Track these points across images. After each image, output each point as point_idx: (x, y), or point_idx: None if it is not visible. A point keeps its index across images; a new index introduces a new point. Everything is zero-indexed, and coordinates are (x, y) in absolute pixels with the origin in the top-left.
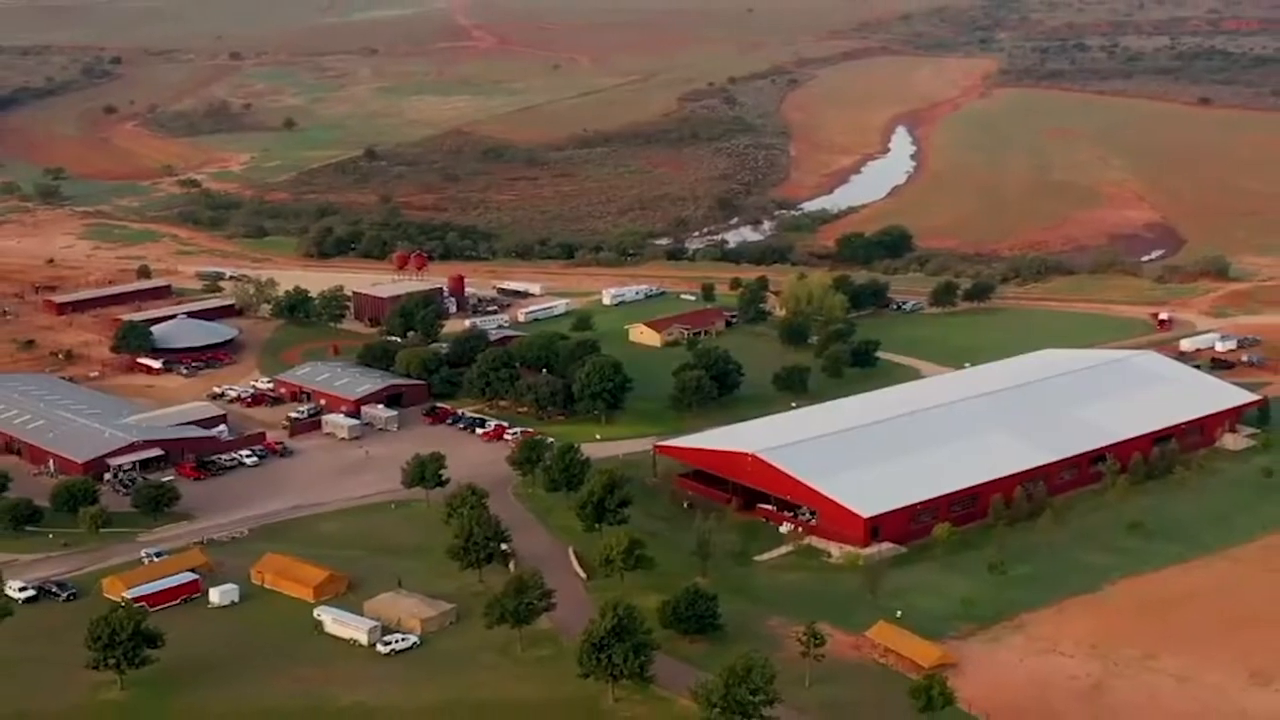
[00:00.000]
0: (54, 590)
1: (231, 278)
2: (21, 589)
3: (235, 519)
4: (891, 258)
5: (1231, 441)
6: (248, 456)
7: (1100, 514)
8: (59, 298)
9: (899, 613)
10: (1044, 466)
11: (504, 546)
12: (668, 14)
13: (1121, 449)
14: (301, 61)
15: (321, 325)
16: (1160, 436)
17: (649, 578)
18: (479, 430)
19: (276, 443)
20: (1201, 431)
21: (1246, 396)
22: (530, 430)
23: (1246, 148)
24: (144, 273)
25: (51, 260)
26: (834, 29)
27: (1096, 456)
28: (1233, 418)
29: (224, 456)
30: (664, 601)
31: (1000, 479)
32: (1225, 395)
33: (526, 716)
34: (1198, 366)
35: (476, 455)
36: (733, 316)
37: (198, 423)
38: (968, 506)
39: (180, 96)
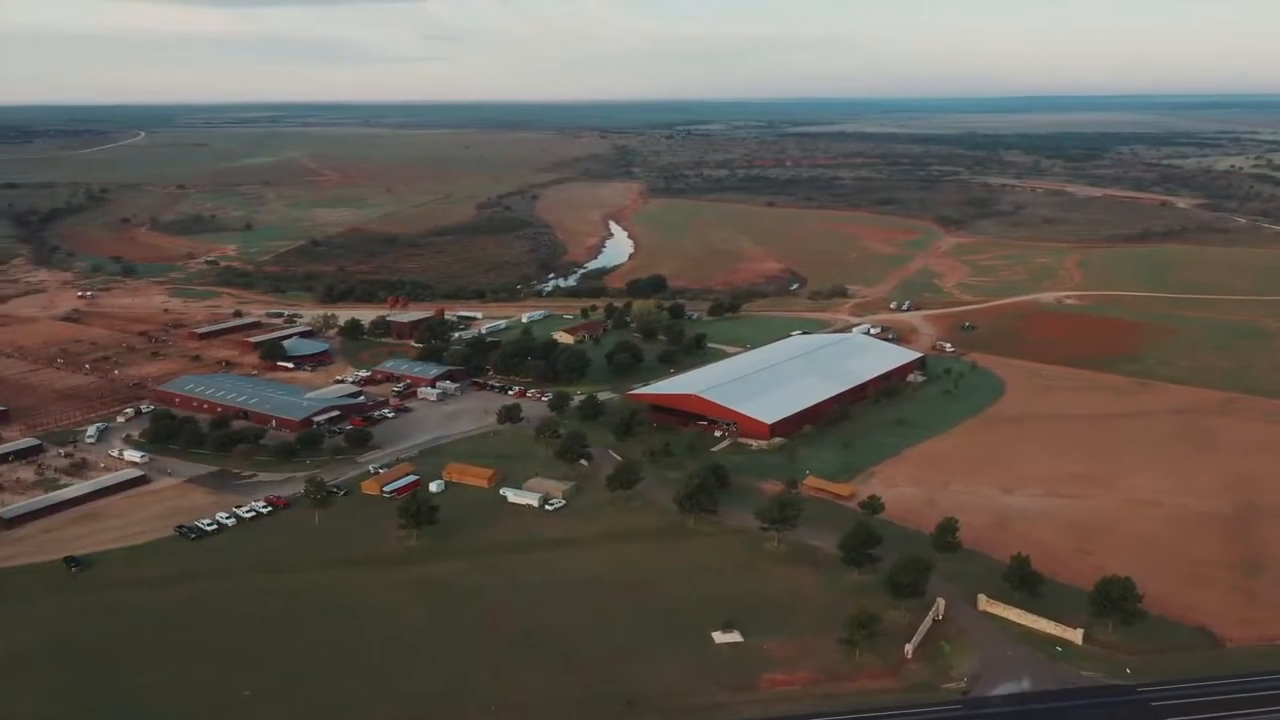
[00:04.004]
0: (336, 489)
1: (289, 316)
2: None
3: (404, 447)
4: (658, 291)
5: (914, 378)
6: (388, 413)
7: (877, 417)
8: (199, 330)
9: (808, 472)
10: (842, 393)
11: (584, 449)
12: (440, 158)
13: (871, 384)
14: (225, 190)
15: (370, 341)
16: (885, 376)
17: (666, 462)
18: (509, 392)
19: (400, 404)
20: (901, 373)
21: (916, 354)
22: (541, 390)
23: (804, 228)
24: (238, 314)
25: (166, 310)
26: (540, 167)
27: (860, 387)
28: (915, 366)
29: (375, 414)
30: (692, 473)
31: (826, 400)
32: (906, 354)
33: (647, 536)
34: None
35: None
36: (606, 326)
37: (346, 396)
38: (814, 416)
39: (163, 210)
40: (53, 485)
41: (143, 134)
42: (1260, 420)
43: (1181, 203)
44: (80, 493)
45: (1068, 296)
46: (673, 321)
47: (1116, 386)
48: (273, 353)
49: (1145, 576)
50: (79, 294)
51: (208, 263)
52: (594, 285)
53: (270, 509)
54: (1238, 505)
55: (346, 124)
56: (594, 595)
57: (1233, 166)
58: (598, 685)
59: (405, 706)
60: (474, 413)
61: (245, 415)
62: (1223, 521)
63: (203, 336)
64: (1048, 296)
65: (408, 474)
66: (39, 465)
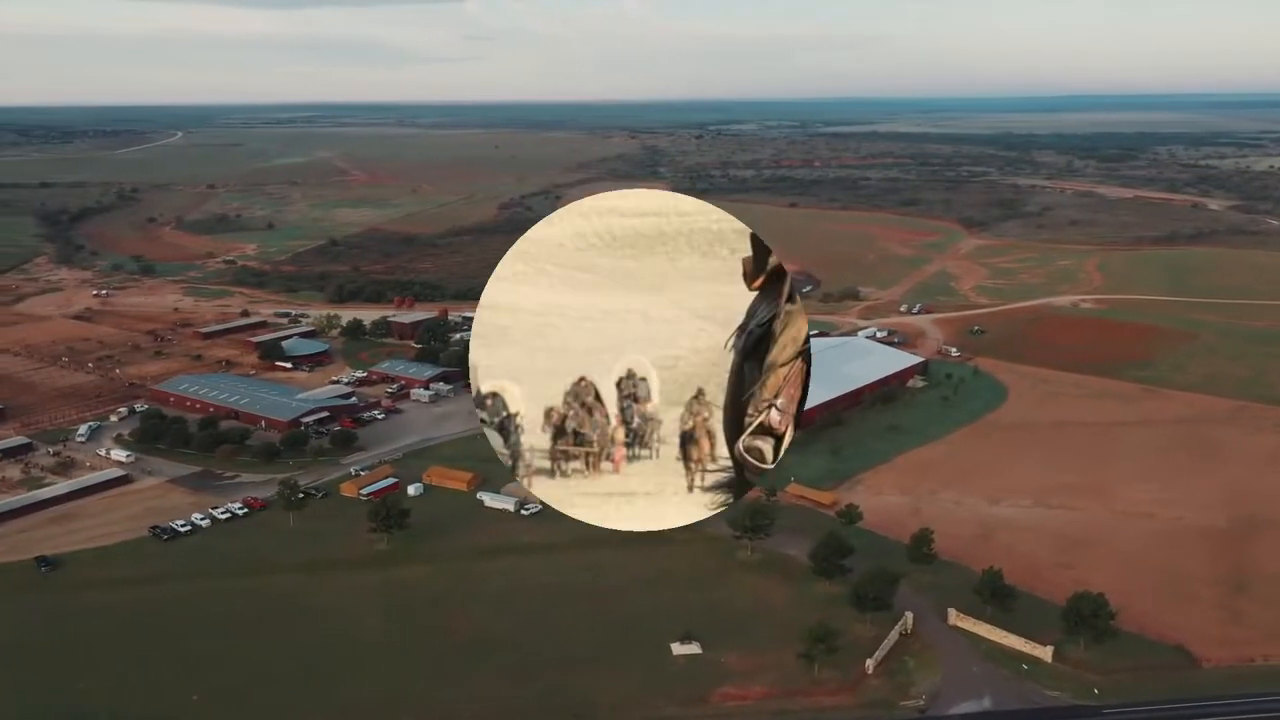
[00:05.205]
0: (314, 491)
1: (297, 316)
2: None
3: (390, 449)
4: None
5: (914, 383)
6: (378, 414)
7: (870, 423)
8: (203, 329)
9: (792, 478)
10: (835, 399)
11: None
12: (469, 158)
13: (869, 388)
14: (253, 189)
15: (371, 341)
16: (883, 381)
17: None
18: None
19: (391, 405)
20: (900, 378)
21: (918, 359)
22: None
23: (824, 229)
24: (245, 314)
25: (177, 309)
26: (567, 167)
27: (856, 391)
28: (916, 371)
29: (365, 415)
30: None
31: (818, 405)
32: (907, 358)
33: (620, 542)
34: None
35: None
36: None
37: (338, 396)
38: (804, 421)
39: (190, 210)
40: (36, 484)
41: (180, 134)
42: (1271, 430)
43: (1214, 204)
44: (59, 492)
45: (1084, 300)
46: None
47: (1123, 394)
48: (271, 353)
49: (1127, 592)
50: (94, 293)
51: (225, 262)
52: None
53: (246, 510)
54: (1236, 519)
55: (381, 124)
56: (557, 602)
57: (1272, 167)
58: (547, 696)
59: (343, 715)
60: (465, 415)
61: (236, 415)
62: (1217, 536)
63: (207, 336)
64: (1063, 300)
65: (387, 476)
66: (26, 464)
